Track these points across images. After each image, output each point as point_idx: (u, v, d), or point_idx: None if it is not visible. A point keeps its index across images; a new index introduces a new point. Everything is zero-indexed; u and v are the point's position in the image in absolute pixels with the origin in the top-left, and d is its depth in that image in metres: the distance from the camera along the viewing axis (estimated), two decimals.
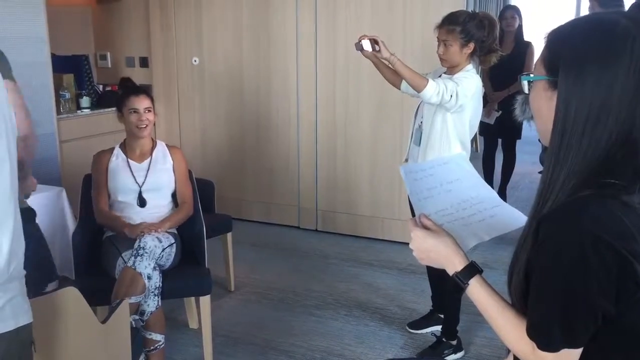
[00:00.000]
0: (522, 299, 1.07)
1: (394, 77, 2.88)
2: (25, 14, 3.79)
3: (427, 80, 2.59)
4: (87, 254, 2.76)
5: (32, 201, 2.79)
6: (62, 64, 4.48)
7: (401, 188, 4.30)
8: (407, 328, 3.17)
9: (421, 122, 2.82)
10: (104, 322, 1.84)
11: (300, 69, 4.49)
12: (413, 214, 2.92)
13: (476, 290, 1.13)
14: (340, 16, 4.30)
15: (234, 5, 4.61)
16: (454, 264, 1.16)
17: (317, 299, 3.52)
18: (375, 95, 4.28)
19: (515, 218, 1.34)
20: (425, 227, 1.20)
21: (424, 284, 3.63)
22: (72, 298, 1.67)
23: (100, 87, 4.92)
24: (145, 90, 2.88)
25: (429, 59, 3.43)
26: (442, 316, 3.07)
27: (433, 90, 2.57)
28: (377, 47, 2.65)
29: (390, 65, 2.70)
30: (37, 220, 2.80)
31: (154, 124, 4.94)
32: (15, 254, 1.10)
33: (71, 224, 2.96)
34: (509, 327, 1.08)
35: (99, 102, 4.67)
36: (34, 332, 1.18)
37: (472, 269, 1.15)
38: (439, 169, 1.33)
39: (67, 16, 4.86)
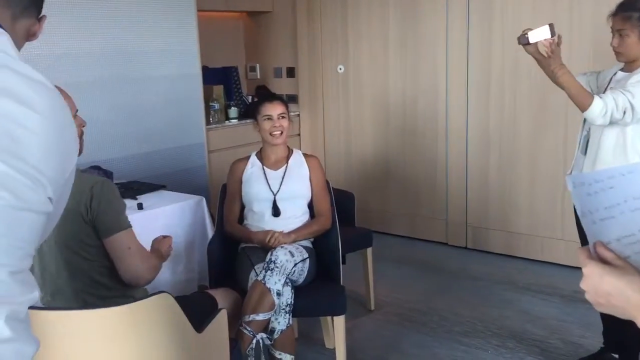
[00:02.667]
0: None
1: None
2: (178, 28, 3.91)
3: (592, 98, 2.21)
4: (222, 265, 2.70)
5: (173, 210, 2.81)
6: (213, 76, 4.59)
7: (565, 203, 3.80)
8: None
9: (589, 129, 2.40)
10: (200, 331, 1.70)
11: (450, 73, 4.17)
12: (583, 240, 2.49)
13: None
14: (496, 11, 3.92)
15: (381, 10, 4.43)
16: None
17: (464, 324, 3.17)
18: (535, 98, 3.84)
19: None
20: (604, 261, 0.88)
21: (592, 316, 3.12)
22: (165, 305, 1.55)
23: (250, 98, 4.99)
24: (279, 97, 2.78)
25: (600, 55, 2.96)
26: (616, 356, 2.59)
27: (598, 111, 2.21)
28: (555, 32, 2.29)
29: (555, 74, 2.32)
30: (179, 229, 2.82)
31: (299, 134, 4.96)
32: None
33: (211, 233, 2.94)
34: None
35: (246, 113, 4.72)
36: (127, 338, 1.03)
37: None
38: (622, 180, 0.99)
39: (219, 29, 4.99)
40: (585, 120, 2.47)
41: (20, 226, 0.82)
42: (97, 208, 1.79)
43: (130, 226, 1.88)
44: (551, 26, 2.27)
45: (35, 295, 0.85)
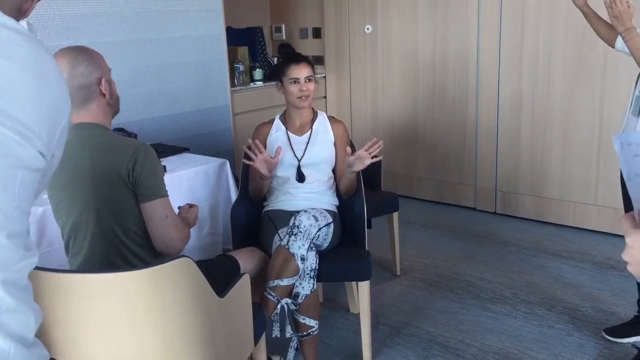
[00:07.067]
0: None
1: (609, 32, 2.36)
2: None
3: None
4: (246, 228, 2.67)
5: (197, 173, 2.79)
6: (237, 37, 4.51)
7: (599, 167, 3.67)
8: (604, 334, 2.65)
9: None
10: (222, 296, 1.67)
11: (482, 30, 4.02)
12: (628, 206, 2.38)
13: None
14: None
15: None
16: None
17: (492, 291, 3.12)
18: (571, 57, 3.68)
19: None
20: None
21: (626, 283, 3.05)
22: (185, 269, 1.51)
23: (275, 59, 4.90)
24: (306, 58, 2.68)
25: None
26: None
27: None
28: None
29: (623, 38, 2.17)
30: (202, 192, 2.80)
31: (325, 96, 4.86)
32: None
33: (235, 197, 2.91)
34: None
35: (271, 75, 4.64)
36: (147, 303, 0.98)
37: None
38: None
39: None
40: (638, 80, 2.34)
41: (13, 185, 0.78)
42: (141, 171, 1.74)
43: (167, 195, 1.83)
44: None
45: (35, 260, 0.81)
